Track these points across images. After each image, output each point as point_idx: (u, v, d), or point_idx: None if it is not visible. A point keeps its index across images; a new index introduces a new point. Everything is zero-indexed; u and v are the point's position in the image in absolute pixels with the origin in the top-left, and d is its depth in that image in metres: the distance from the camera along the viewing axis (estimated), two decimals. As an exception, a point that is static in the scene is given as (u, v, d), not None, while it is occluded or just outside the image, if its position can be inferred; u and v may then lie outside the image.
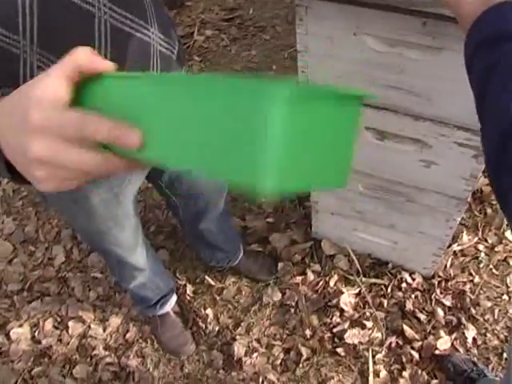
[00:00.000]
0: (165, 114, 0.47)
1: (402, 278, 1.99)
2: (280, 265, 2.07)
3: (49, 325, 2.09)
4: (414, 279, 1.98)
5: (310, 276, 2.02)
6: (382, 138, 1.42)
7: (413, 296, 1.95)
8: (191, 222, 1.69)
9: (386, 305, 1.93)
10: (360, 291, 1.97)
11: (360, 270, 2.00)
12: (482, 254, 2.04)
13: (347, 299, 1.95)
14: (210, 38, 3.23)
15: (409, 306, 1.92)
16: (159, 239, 2.26)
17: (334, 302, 1.95)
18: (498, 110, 0.55)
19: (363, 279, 1.99)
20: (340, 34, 1.19)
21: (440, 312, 1.89)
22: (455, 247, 2.05)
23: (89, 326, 2.07)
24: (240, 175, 0.40)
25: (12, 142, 0.53)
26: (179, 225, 1.95)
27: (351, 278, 2.00)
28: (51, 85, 0.50)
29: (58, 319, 2.11)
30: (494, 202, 2.15)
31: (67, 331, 2.07)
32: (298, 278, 2.03)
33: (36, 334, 2.08)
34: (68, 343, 2.04)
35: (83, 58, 0.51)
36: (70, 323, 2.08)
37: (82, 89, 0.53)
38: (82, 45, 0.54)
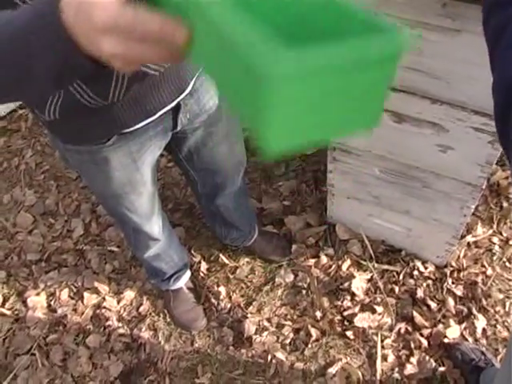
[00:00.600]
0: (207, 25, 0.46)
1: (414, 266, 2.00)
2: (294, 247, 2.09)
3: (65, 295, 2.14)
4: (426, 268, 1.99)
5: (323, 259, 2.04)
6: (400, 121, 1.43)
7: (424, 284, 1.96)
8: (208, 196, 1.71)
9: (397, 291, 1.95)
10: (372, 277, 1.99)
11: (373, 256, 2.02)
12: (496, 247, 2.04)
13: (359, 284, 1.96)
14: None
15: (420, 293, 1.93)
16: (176, 217, 2.29)
17: (346, 285, 1.96)
18: (505, 64, 0.56)
19: (376, 265, 2.01)
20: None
21: (451, 301, 1.90)
22: (469, 238, 2.05)
23: (103, 298, 2.11)
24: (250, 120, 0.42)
25: (78, 22, 0.52)
26: (197, 200, 1.98)
27: (364, 263, 2.02)
28: None
29: (74, 290, 2.16)
30: (511, 196, 2.15)
31: (82, 302, 2.11)
32: (311, 261, 2.05)
33: (52, 302, 2.13)
34: (82, 313, 2.08)
35: None
36: (86, 294, 2.12)
37: None
38: None
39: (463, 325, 1.86)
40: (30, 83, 0.62)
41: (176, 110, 1.20)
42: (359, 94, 0.43)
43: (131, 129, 1.14)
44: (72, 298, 2.14)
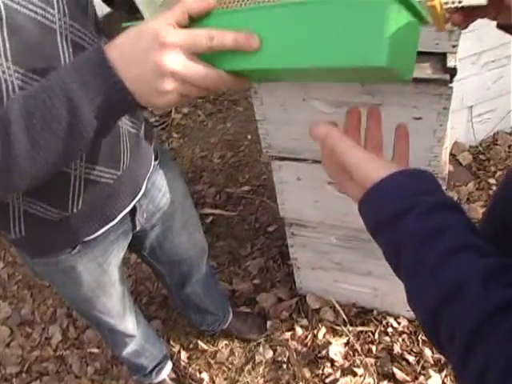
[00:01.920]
0: (272, 28, 0.63)
1: (387, 323, 2.06)
2: (269, 323, 2.13)
3: (49, 404, 2.14)
4: (399, 323, 2.05)
5: (299, 331, 2.09)
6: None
7: (400, 339, 2.01)
8: (178, 286, 1.77)
9: (374, 350, 2.00)
10: (348, 340, 2.04)
11: (346, 320, 2.07)
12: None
13: (336, 349, 2.01)
14: (187, 115, 3.39)
15: (397, 349, 1.98)
16: (151, 310, 2.33)
17: (324, 353, 2.01)
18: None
19: (350, 328, 2.06)
20: (291, 101, 1.32)
21: (428, 352, 1.95)
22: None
23: (89, 402, 2.11)
24: (356, 57, 0.58)
25: (138, 66, 0.64)
26: (167, 292, 2.03)
27: (338, 328, 2.07)
28: (166, 19, 0.64)
29: (58, 398, 2.16)
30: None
31: (68, 409, 2.11)
32: (288, 334, 2.09)
33: (37, 414, 2.12)
34: (70, 421, 2.08)
35: (191, 1, 0.65)
36: (70, 400, 2.12)
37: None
38: None
39: (443, 373, 1.90)
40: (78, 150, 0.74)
41: (133, 212, 1.27)
42: (409, 47, 0.65)
43: (94, 235, 1.20)
44: (57, 407, 2.13)
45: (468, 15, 0.76)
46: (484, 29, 2.14)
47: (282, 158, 1.49)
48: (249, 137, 3.03)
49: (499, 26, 0.79)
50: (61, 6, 0.90)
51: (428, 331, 0.60)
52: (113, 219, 1.20)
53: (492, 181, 2.51)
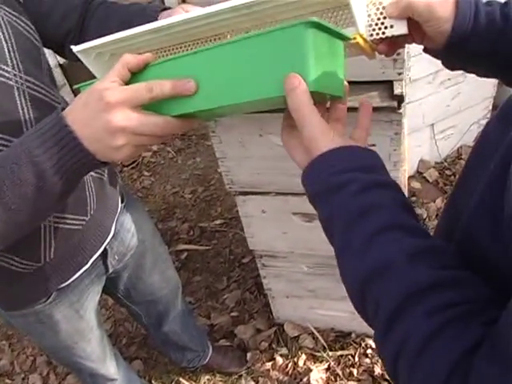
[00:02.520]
0: (204, 70, 0.69)
1: (367, 345, 2.07)
2: (249, 355, 2.14)
3: None
4: (378, 344, 2.07)
5: (279, 360, 2.10)
6: (311, 220, 1.55)
7: (380, 360, 2.03)
8: (155, 326, 1.77)
9: (355, 373, 2.01)
10: (329, 365, 2.05)
11: (325, 345, 2.09)
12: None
13: (318, 375, 2.02)
14: (156, 153, 3.42)
15: (377, 370, 2.00)
16: (132, 350, 2.32)
17: (305, 380, 2.01)
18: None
19: (330, 353, 2.07)
20: (249, 138, 1.35)
21: (408, 371, 1.97)
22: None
23: None
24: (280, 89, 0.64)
25: (91, 127, 0.69)
26: (146, 331, 2.03)
27: (318, 354, 2.08)
28: (109, 78, 0.70)
29: None
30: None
31: None
32: (268, 365, 2.10)
33: None
34: None
35: (129, 57, 0.71)
36: None
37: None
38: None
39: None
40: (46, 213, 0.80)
41: (104, 255, 1.28)
42: (333, 68, 0.69)
43: (68, 281, 1.21)
44: None
45: (393, 44, 0.80)
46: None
47: (246, 192, 1.52)
48: (219, 170, 3.05)
49: (425, 50, 0.84)
50: (14, 63, 0.94)
51: (357, 307, 0.63)
52: (85, 264, 1.22)
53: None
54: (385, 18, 0.77)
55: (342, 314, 2.00)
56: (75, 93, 3.19)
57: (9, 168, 0.71)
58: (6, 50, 0.93)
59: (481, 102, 2.66)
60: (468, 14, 0.72)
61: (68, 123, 0.70)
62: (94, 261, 1.25)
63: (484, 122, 2.75)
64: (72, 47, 0.85)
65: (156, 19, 0.94)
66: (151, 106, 0.71)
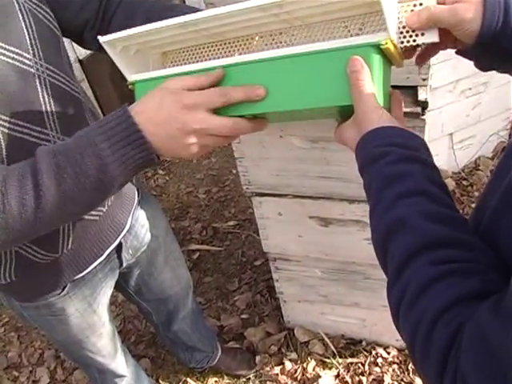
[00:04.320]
0: (274, 77, 0.79)
1: (377, 354, 2.05)
2: (258, 358, 2.12)
3: None
4: (388, 353, 2.05)
5: (288, 365, 2.08)
6: (327, 224, 1.54)
7: (390, 369, 2.01)
8: (165, 324, 1.76)
9: (365, 382, 1.98)
10: (338, 372, 2.03)
11: (335, 352, 2.07)
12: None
13: (326, 382, 2.00)
14: (171, 151, 3.41)
15: (387, 379, 1.97)
16: (140, 349, 2.31)
17: (314, 386, 2.00)
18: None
19: (340, 360, 2.05)
20: (269, 138, 1.34)
21: (418, 381, 1.94)
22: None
23: None
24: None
25: (165, 127, 0.77)
26: (155, 330, 2.02)
27: (328, 360, 2.06)
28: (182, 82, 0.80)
29: None
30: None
31: None
32: (277, 369, 2.08)
33: None
34: None
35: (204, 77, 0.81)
36: None
37: None
38: None
39: (434, 403, 1.89)
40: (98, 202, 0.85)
41: (119, 249, 1.29)
42: (387, 78, 0.82)
43: (83, 273, 1.21)
44: None
45: (424, 53, 0.85)
46: (458, 58, 2.17)
47: (262, 194, 1.51)
48: (233, 171, 3.05)
49: (457, 52, 0.85)
50: (36, 51, 0.94)
51: (380, 262, 0.69)
52: (100, 255, 1.22)
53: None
54: None
55: (354, 320, 1.99)
56: (94, 88, 3.18)
57: (72, 156, 0.76)
58: (27, 38, 0.93)
59: (501, 113, 2.63)
60: (497, 12, 0.72)
61: (136, 121, 0.76)
62: (109, 254, 1.25)
63: (504, 133, 2.73)
64: (98, 37, 0.86)
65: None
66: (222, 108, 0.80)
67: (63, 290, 1.21)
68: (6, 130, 0.89)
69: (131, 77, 0.92)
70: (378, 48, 0.73)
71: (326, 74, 0.75)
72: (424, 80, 1.19)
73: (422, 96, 1.18)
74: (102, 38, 0.86)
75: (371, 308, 1.87)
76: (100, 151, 0.75)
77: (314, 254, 1.68)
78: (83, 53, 3.05)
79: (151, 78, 0.89)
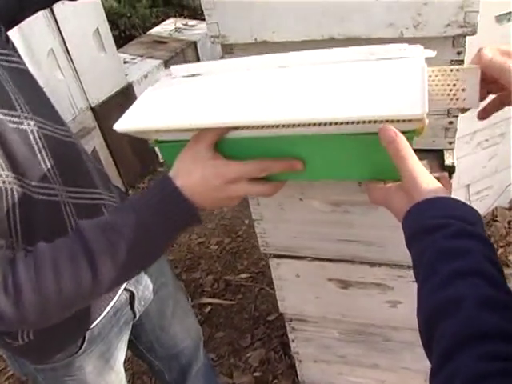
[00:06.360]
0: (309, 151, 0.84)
1: (396, 416, 1.98)
2: (272, 419, 2.05)
3: None
4: (408, 415, 1.97)
5: (304, 426, 2.01)
6: (346, 287, 1.49)
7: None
8: (178, 382, 1.69)
9: None
10: None
11: (353, 414, 1.99)
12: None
13: None
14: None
15: None
16: (149, 407, 2.25)
17: None
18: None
19: (358, 423, 1.98)
20: (288, 201, 1.30)
21: None
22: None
23: None
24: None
25: (212, 198, 0.85)
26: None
27: (345, 422, 1.99)
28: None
29: None
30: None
31: None
32: (293, 430, 2.01)
33: None
34: None
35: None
36: None
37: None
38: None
39: None
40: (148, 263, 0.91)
41: (132, 300, 1.26)
42: None
43: (98, 320, 1.17)
44: None
45: (486, 110, 0.93)
46: (475, 110, 2.16)
47: (280, 255, 1.46)
48: (246, 221, 3.00)
49: None
50: (22, 105, 0.93)
51: (423, 340, 0.65)
52: (113, 297, 1.20)
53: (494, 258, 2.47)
54: (457, 90, 0.78)
55: (373, 382, 1.92)
56: (106, 136, 3.18)
57: (124, 233, 0.80)
58: (11, 93, 0.91)
59: (517, 163, 2.60)
60: None
61: (186, 196, 0.82)
62: (122, 305, 1.24)
63: (520, 183, 2.70)
64: (114, 127, 0.84)
65: None
66: None
67: (81, 347, 1.17)
68: (19, 189, 0.89)
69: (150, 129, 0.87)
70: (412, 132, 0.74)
71: (363, 152, 0.79)
72: (450, 144, 1.16)
73: (448, 160, 1.15)
74: (116, 127, 0.83)
75: (391, 370, 1.80)
76: (150, 226, 0.82)
77: (332, 315, 1.62)
78: (95, 100, 3.06)
79: (178, 140, 0.88)
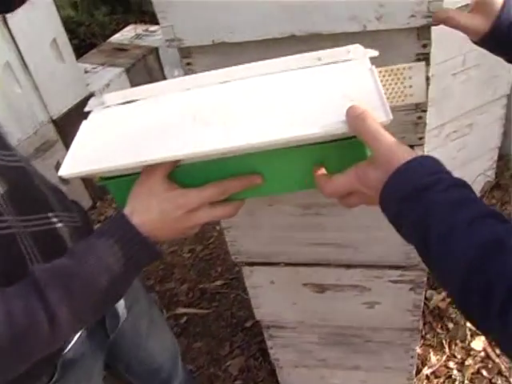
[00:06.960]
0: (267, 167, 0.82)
1: (379, 417, 1.95)
2: (255, 428, 2.01)
3: None
4: (392, 414, 1.95)
5: (287, 433, 1.97)
6: (323, 290, 1.46)
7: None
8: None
9: None
10: None
11: (337, 417, 1.96)
12: (455, 371, 2.04)
13: None
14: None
15: None
16: (130, 426, 2.18)
17: None
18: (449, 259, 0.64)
19: (342, 425, 1.95)
20: (258, 207, 1.26)
21: None
22: (426, 371, 2.04)
23: None
24: None
25: (173, 230, 0.83)
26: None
27: (330, 426, 1.96)
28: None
29: None
30: (454, 316, 2.18)
31: None
32: None
33: None
34: None
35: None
36: None
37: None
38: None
39: None
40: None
41: (103, 319, 1.21)
42: None
43: (70, 345, 1.11)
44: None
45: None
46: (443, 102, 2.16)
47: (253, 263, 1.43)
48: (217, 228, 2.95)
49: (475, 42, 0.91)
50: None
51: (459, 292, 0.64)
52: None
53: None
54: (405, 87, 0.79)
55: (355, 383, 1.89)
56: (69, 149, 3.10)
57: (84, 277, 0.77)
58: None
59: (486, 153, 2.63)
60: None
61: (145, 234, 0.79)
62: (95, 326, 1.18)
63: (490, 172, 2.71)
64: (59, 174, 0.81)
65: None
66: None
67: (52, 377, 1.09)
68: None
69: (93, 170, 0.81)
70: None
71: (314, 162, 0.80)
72: (420, 139, 1.13)
73: (418, 156, 1.12)
74: (61, 173, 0.80)
75: (373, 370, 1.78)
76: (110, 265, 0.78)
77: (310, 320, 1.59)
78: (57, 112, 2.98)
79: (126, 174, 0.84)
